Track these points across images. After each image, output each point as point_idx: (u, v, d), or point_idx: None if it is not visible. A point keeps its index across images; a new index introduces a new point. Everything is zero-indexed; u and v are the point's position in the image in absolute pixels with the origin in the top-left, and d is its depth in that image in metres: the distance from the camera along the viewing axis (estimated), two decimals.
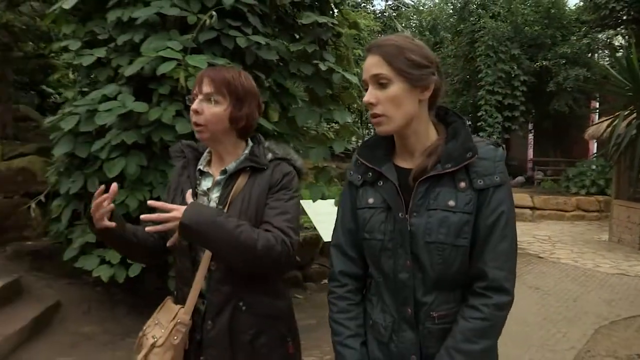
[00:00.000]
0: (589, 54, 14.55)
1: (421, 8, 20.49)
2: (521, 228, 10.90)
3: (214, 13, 3.83)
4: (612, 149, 5.81)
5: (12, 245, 4.98)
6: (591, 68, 13.49)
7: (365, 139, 1.55)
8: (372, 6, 20.70)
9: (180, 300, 1.66)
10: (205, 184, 1.71)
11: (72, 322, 4.33)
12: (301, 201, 4.59)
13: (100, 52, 4.15)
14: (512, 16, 15.02)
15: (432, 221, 1.34)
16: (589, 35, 13.97)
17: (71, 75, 6.96)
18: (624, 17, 11.97)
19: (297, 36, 4.80)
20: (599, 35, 14.02)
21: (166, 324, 1.62)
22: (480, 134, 15.59)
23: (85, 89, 4.56)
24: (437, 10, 19.07)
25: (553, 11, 14.93)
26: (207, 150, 1.77)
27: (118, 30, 4.20)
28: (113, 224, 1.59)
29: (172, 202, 1.66)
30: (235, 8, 3.98)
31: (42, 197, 4.66)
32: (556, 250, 8.80)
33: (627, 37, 12.40)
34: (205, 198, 1.68)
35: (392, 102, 1.34)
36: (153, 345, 1.61)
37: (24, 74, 6.98)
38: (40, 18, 5.69)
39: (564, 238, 9.96)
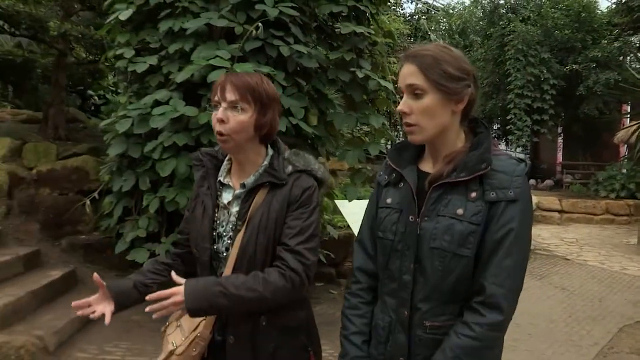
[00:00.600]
0: (620, 57, 14.48)
1: (451, 11, 20.53)
2: (549, 231, 11.00)
3: (259, 24, 4.12)
4: (636, 153, 5.93)
5: (67, 239, 5.35)
6: (622, 72, 13.44)
7: (397, 141, 1.61)
8: (402, 9, 20.82)
9: None
10: (226, 196, 1.68)
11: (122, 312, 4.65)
12: (336, 201, 4.87)
13: (152, 60, 4.46)
14: (542, 20, 15.02)
15: (438, 227, 1.35)
16: (621, 39, 13.92)
17: (114, 79, 7.36)
18: None
19: (335, 44, 5.06)
20: (631, 39, 13.96)
21: (187, 333, 1.64)
22: (509, 137, 15.64)
23: (131, 94, 4.89)
24: (467, 13, 19.10)
25: (584, 15, 14.89)
26: (227, 159, 1.73)
27: (168, 39, 4.52)
28: (111, 310, 1.62)
29: (194, 213, 1.70)
30: (278, 19, 4.26)
31: (95, 195, 5.01)
32: (583, 252, 8.87)
33: None
34: (226, 211, 1.66)
35: (425, 113, 1.35)
36: (172, 352, 1.64)
37: (75, 78, 7.40)
38: (94, 27, 6.09)
39: (591, 241, 10.00)
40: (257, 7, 4.24)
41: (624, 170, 12.86)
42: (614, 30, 14.35)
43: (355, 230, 4.81)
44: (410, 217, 1.40)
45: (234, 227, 1.63)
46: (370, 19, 5.22)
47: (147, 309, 1.43)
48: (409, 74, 1.36)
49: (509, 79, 15.07)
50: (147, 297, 1.46)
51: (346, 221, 5.10)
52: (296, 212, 1.59)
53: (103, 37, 5.62)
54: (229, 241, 1.64)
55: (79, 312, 1.63)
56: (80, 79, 7.56)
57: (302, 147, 4.80)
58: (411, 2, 22.49)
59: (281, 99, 4.18)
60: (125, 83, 5.09)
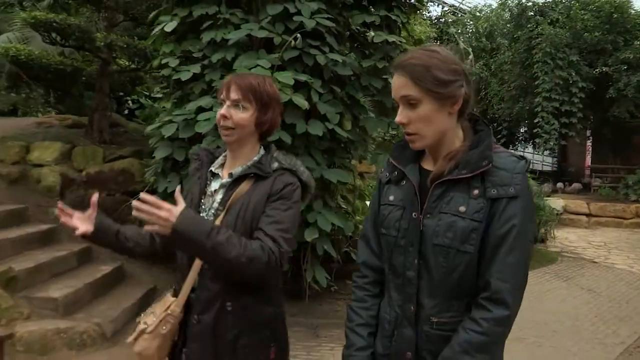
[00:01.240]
0: None
1: (478, 14, 20.54)
2: (577, 234, 11.03)
3: (298, 35, 4.37)
4: None
5: None
6: None
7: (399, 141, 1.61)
8: (428, 12, 20.93)
9: (177, 293, 1.73)
10: (214, 185, 1.77)
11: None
12: (367, 202, 5.09)
13: (196, 69, 4.76)
14: (571, 22, 14.92)
15: (441, 224, 1.37)
16: None
17: (154, 86, 7.71)
18: None
19: (367, 52, 5.29)
20: None
21: (159, 314, 1.69)
22: (537, 140, 15.61)
23: (174, 100, 5.18)
24: (494, 16, 19.11)
25: (615, 16, 14.72)
26: (222, 154, 1.84)
27: (210, 49, 4.82)
28: (86, 230, 1.69)
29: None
30: (315, 29, 4.51)
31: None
32: (611, 256, 8.92)
33: None
34: (211, 199, 1.74)
35: (424, 121, 1.37)
36: (143, 331, 1.69)
37: (116, 85, 7.78)
38: (134, 37, 6.44)
39: (620, 245, 10.02)
40: (294, 18, 4.50)
41: None
42: None
43: None
44: (413, 214, 1.42)
45: (215, 213, 1.71)
46: (401, 28, 5.45)
47: (134, 205, 1.45)
48: (401, 85, 1.37)
49: (536, 82, 15.03)
50: (142, 195, 1.47)
51: None
52: (275, 203, 1.66)
53: (146, 46, 5.94)
54: None
55: (62, 219, 1.71)
56: (121, 86, 7.94)
57: (337, 151, 5.06)
58: (437, 5, 22.63)
59: (318, 106, 4.49)
60: (168, 89, 5.40)
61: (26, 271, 4.34)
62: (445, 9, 21.98)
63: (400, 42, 5.07)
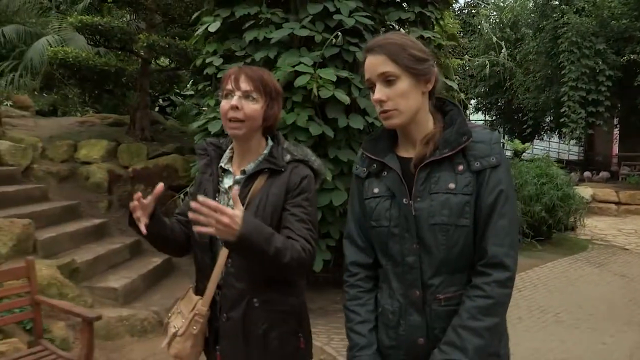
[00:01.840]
0: None
1: (501, 4, 20.45)
2: (606, 222, 11.04)
3: (339, 33, 4.56)
4: None
5: None
6: None
7: (369, 134, 1.61)
8: (455, 2, 20.89)
9: (200, 291, 1.72)
10: (227, 182, 1.74)
11: None
12: None
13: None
14: (598, 10, 14.79)
15: (435, 204, 1.40)
16: None
17: (192, 85, 7.95)
18: None
19: None
20: None
21: (186, 314, 1.70)
22: (563, 129, 15.55)
23: (218, 97, 5.41)
24: (518, 6, 19.02)
25: None
26: (229, 148, 1.81)
27: (252, 47, 5.03)
28: (143, 226, 1.61)
29: (195, 199, 1.71)
30: (353, 27, 4.69)
31: (188, 189, 5.58)
32: None
33: None
34: (226, 196, 1.72)
35: (401, 97, 1.40)
36: (175, 335, 1.71)
37: (157, 84, 8.06)
38: (172, 37, 6.69)
39: None
40: (334, 17, 4.69)
41: None
42: None
43: None
44: (403, 200, 1.43)
45: None
46: (434, 23, 5.60)
47: (193, 206, 1.38)
48: (378, 63, 1.40)
49: (562, 72, 14.95)
50: (201, 198, 1.38)
51: None
52: (297, 199, 1.65)
53: (187, 46, 6.18)
54: None
55: (132, 204, 1.62)
56: (160, 85, 8.22)
57: None
58: None
59: (357, 100, 4.67)
60: (210, 87, 5.63)
61: (86, 263, 4.62)
62: (469, 0, 21.92)
63: (435, 37, 5.22)
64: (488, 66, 15.42)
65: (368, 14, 4.80)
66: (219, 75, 5.07)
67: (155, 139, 7.24)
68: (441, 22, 5.65)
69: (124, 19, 9.39)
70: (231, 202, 1.61)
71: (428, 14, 5.27)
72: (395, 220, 1.45)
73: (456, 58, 8.76)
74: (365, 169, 1.56)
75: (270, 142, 1.76)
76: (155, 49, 6.20)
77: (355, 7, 4.79)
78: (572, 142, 18.54)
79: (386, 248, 1.49)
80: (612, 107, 15.24)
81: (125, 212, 6.01)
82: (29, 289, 2.90)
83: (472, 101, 20.74)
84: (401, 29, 5.33)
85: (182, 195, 5.60)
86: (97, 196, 6.10)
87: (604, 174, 15.67)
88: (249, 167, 1.70)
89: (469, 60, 14.41)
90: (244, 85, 1.64)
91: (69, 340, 3.76)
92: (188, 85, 10.62)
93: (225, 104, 1.65)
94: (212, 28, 5.07)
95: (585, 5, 15.25)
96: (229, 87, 1.66)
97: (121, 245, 5.21)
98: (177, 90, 11.25)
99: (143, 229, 1.60)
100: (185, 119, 9.81)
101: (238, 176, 1.71)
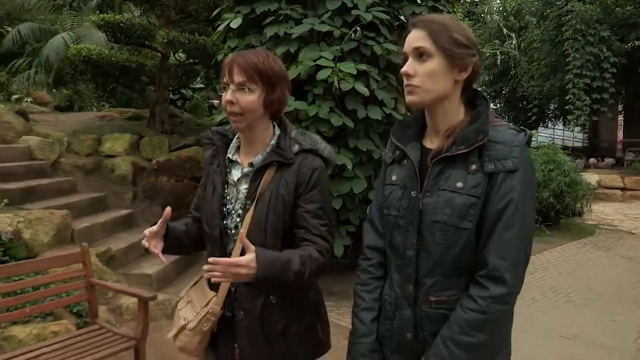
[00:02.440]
0: None
1: None
2: (612, 207, 11.26)
3: (358, 28, 4.76)
4: None
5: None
6: None
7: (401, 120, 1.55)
8: None
9: (214, 286, 1.66)
10: (235, 173, 1.70)
11: None
12: None
13: None
14: None
15: (439, 201, 1.35)
16: None
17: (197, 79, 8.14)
18: None
19: None
20: None
21: (198, 308, 1.66)
22: (568, 117, 15.71)
23: None
24: None
25: None
26: (235, 137, 1.75)
27: (272, 42, 5.22)
28: (161, 256, 1.63)
29: (205, 191, 1.73)
30: (371, 21, 4.89)
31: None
32: None
33: None
34: (234, 189, 1.68)
35: (430, 76, 1.35)
36: (183, 327, 1.67)
37: (174, 78, 8.28)
38: (190, 32, 6.90)
39: None
40: (352, 12, 4.88)
41: None
42: None
43: None
44: (412, 193, 1.41)
45: (242, 206, 1.65)
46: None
47: (205, 269, 1.38)
48: (417, 37, 1.37)
49: (567, 59, 15.09)
50: (214, 260, 1.37)
51: None
52: (310, 194, 1.61)
53: (206, 41, 6.38)
54: (237, 219, 1.66)
55: (144, 243, 1.64)
56: (177, 79, 8.43)
57: None
58: None
59: (375, 92, 4.88)
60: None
61: (121, 251, 4.87)
62: None
63: None
64: (499, 57, 15.53)
65: (384, 9, 5.00)
66: None
67: (175, 132, 7.47)
68: (454, 16, 5.82)
69: (133, 14, 9.57)
70: (240, 195, 1.65)
71: (440, 7, 5.46)
72: (403, 212, 1.43)
73: None
74: (391, 154, 1.55)
75: (277, 131, 1.70)
76: (175, 45, 6.40)
77: (371, 2, 4.98)
78: (577, 129, 18.71)
79: (392, 238, 1.47)
80: (616, 93, 15.38)
81: (150, 204, 6.30)
82: (85, 273, 3.14)
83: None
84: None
85: None
86: (122, 188, 6.34)
87: (609, 161, 15.87)
88: (257, 159, 1.64)
89: None
90: (237, 77, 1.59)
91: (112, 322, 4.00)
92: (198, 79, 10.83)
93: (223, 98, 1.62)
94: (234, 24, 5.26)
95: None
96: (225, 79, 1.62)
97: None
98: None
99: (162, 258, 1.62)
100: (198, 112, 10.03)
101: (246, 168, 1.66)
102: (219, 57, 5.63)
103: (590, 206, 9.70)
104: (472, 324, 1.29)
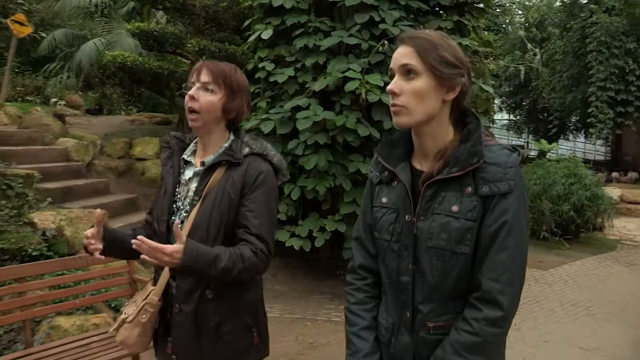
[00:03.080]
0: None
1: (527, 3, 20.54)
2: (635, 223, 11.17)
3: (386, 41, 4.91)
4: None
5: None
6: None
7: (388, 137, 1.52)
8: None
9: (156, 282, 1.74)
10: (188, 173, 1.77)
11: (265, 282, 5.47)
12: None
13: (290, 72, 5.34)
14: (630, 8, 14.63)
15: (434, 226, 1.32)
16: None
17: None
18: None
19: None
20: None
21: (139, 303, 1.71)
22: (590, 130, 15.61)
23: (268, 99, 5.78)
24: (545, 6, 19.10)
25: None
26: (194, 142, 1.83)
27: (301, 53, 5.40)
28: (98, 251, 1.63)
29: (159, 192, 1.81)
30: (397, 35, 5.03)
31: None
32: None
33: None
34: (185, 187, 1.75)
35: (416, 96, 1.30)
36: (123, 321, 1.72)
37: None
38: (224, 41, 7.12)
39: None
40: (380, 26, 5.04)
41: None
42: None
43: None
44: (406, 217, 1.37)
45: (191, 202, 1.71)
46: (471, 31, 5.92)
47: (134, 244, 1.45)
48: (404, 54, 1.33)
49: (590, 72, 15.02)
50: (141, 242, 1.45)
51: None
52: (254, 194, 1.67)
53: (235, 50, 6.59)
54: (185, 214, 1.72)
55: (84, 242, 1.65)
56: None
57: None
58: None
59: None
60: (259, 90, 6.01)
61: None
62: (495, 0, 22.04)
63: (472, 44, 5.54)
64: (522, 71, 15.52)
65: (411, 23, 5.15)
66: (271, 79, 5.45)
67: None
68: (477, 30, 5.95)
69: (159, 22, 9.83)
70: (190, 193, 1.73)
71: (465, 22, 5.59)
72: (397, 236, 1.39)
73: (491, 62, 9.05)
74: (377, 174, 1.49)
75: (232, 137, 1.79)
76: (205, 53, 6.61)
77: (398, 16, 5.14)
78: (599, 142, 18.59)
79: (384, 261, 1.44)
80: None
81: None
82: (128, 269, 3.32)
83: (497, 100, 20.88)
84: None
85: None
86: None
87: (632, 175, 15.70)
88: (209, 159, 1.72)
89: (493, 59, 14.59)
90: (204, 77, 1.69)
91: None
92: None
93: (186, 97, 1.70)
94: (265, 35, 5.45)
95: (616, 4, 15.18)
96: (192, 79, 1.71)
97: None
98: None
99: (97, 255, 1.64)
100: None
101: (198, 168, 1.74)
102: (249, 67, 5.82)
103: (611, 221, 9.67)
104: (465, 346, 1.28)
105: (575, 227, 8.68)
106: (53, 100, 8.23)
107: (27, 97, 8.53)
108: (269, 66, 5.49)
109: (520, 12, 21.05)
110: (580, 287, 6.19)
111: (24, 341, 3.43)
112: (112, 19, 11.24)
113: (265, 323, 1.85)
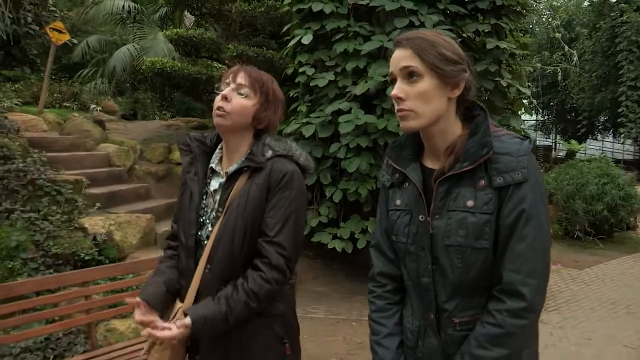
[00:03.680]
0: None
1: (555, 3, 20.37)
2: None
3: None
4: None
5: None
6: None
7: (396, 139, 1.51)
8: None
9: (183, 296, 1.66)
10: (214, 184, 1.67)
11: (307, 284, 5.65)
12: None
13: (330, 76, 5.41)
14: None
15: (451, 223, 1.29)
16: None
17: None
18: None
19: (477, 57, 5.81)
20: None
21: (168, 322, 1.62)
22: (620, 129, 15.48)
23: (308, 103, 5.88)
24: (573, 5, 18.96)
25: None
26: (219, 147, 1.73)
27: (341, 58, 5.48)
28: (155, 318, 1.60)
29: (182, 199, 1.70)
30: None
31: None
32: None
33: None
34: (212, 199, 1.66)
35: (421, 98, 1.28)
36: (154, 343, 1.65)
37: None
38: (261, 46, 7.24)
39: None
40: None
41: None
42: None
43: None
44: (420, 217, 1.35)
45: (215, 215, 1.63)
46: (508, 33, 5.94)
47: (147, 332, 1.49)
48: (403, 57, 1.30)
49: (620, 71, 14.90)
50: (149, 333, 1.48)
51: None
52: (275, 199, 1.58)
53: (273, 55, 6.70)
54: (210, 228, 1.64)
55: (145, 332, 1.55)
56: None
57: None
58: None
59: None
60: (298, 94, 6.11)
61: None
62: None
63: (509, 47, 5.57)
64: (560, 74, 15.42)
65: (450, 27, 5.20)
66: (311, 84, 5.53)
67: None
68: (514, 33, 5.97)
69: (191, 27, 10.00)
70: (215, 205, 1.64)
71: (502, 24, 5.62)
72: (413, 238, 1.37)
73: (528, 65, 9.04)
74: (389, 177, 1.47)
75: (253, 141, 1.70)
76: (243, 58, 6.74)
77: (437, 20, 5.19)
78: (628, 141, 18.37)
79: (404, 264, 1.42)
80: None
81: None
82: None
83: (524, 100, 20.71)
84: (476, 38, 5.69)
85: None
86: None
87: None
88: (231, 168, 1.63)
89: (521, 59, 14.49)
90: (240, 79, 1.63)
91: None
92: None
93: (217, 97, 1.63)
94: (305, 40, 5.54)
95: None
96: (227, 80, 1.65)
97: None
98: None
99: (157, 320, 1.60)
100: None
101: (223, 179, 1.65)
102: (288, 72, 5.92)
103: None
104: (490, 338, 1.25)
105: (609, 226, 8.67)
106: (92, 106, 8.42)
107: (65, 104, 8.73)
108: (309, 70, 5.58)
109: (547, 12, 20.89)
110: (618, 285, 6.18)
111: (83, 343, 3.59)
112: (145, 24, 11.45)
113: (297, 334, 1.77)
